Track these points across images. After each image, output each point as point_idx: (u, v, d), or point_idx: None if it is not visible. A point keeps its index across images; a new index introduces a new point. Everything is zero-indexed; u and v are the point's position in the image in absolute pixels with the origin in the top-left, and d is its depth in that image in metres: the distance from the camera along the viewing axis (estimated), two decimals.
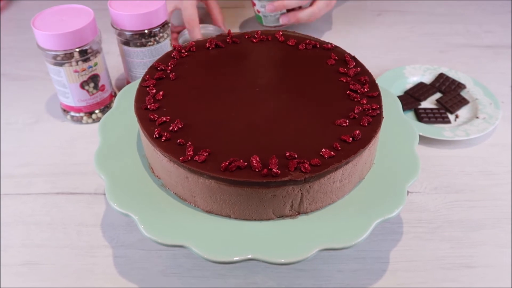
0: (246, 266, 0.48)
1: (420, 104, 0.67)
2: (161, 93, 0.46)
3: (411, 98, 0.67)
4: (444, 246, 0.50)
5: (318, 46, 0.54)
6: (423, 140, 0.61)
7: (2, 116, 0.68)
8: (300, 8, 0.75)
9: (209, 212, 0.42)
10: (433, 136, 0.60)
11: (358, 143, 0.42)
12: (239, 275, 0.48)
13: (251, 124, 0.43)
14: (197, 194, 0.42)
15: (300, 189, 0.40)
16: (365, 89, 0.47)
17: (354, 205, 0.43)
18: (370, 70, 0.50)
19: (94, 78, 0.62)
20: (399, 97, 0.66)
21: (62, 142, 0.63)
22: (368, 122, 0.43)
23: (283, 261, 0.38)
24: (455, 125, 0.64)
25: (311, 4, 0.75)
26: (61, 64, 0.59)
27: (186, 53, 0.52)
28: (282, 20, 0.75)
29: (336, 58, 0.52)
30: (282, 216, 0.42)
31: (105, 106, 0.66)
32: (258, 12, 0.76)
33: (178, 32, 0.78)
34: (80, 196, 0.55)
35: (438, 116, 0.64)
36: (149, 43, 0.63)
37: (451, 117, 0.65)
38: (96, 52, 0.61)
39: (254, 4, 0.76)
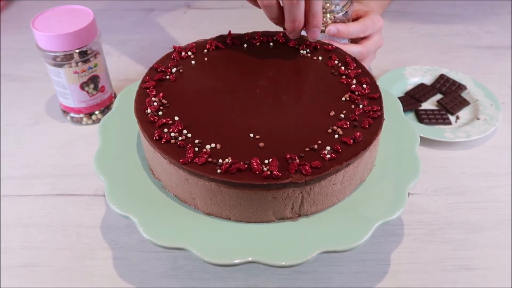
0: (247, 269, 0.48)
1: (420, 105, 0.67)
2: (161, 94, 0.46)
3: (411, 99, 0.67)
4: (445, 248, 0.50)
5: (318, 47, 0.54)
6: (424, 141, 0.61)
7: (1, 117, 0.67)
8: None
9: (209, 214, 0.42)
10: (434, 137, 0.60)
11: (359, 145, 0.41)
12: (240, 277, 0.47)
13: (251, 126, 0.43)
14: (197, 196, 0.42)
15: (300, 192, 0.40)
16: (366, 91, 0.47)
17: (355, 207, 0.43)
18: (370, 71, 0.50)
19: (94, 79, 0.62)
20: (400, 98, 0.66)
21: (61, 143, 0.63)
22: (369, 124, 0.43)
23: (283, 263, 0.38)
24: (456, 127, 0.64)
25: (358, 41, 0.64)
26: (60, 65, 0.59)
27: (186, 54, 0.52)
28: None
29: (337, 59, 0.52)
30: (282, 219, 0.42)
31: (105, 107, 0.66)
32: None
33: None
34: (80, 198, 0.55)
35: (439, 117, 0.64)
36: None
37: (452, 118, 0.65)
38: (96, 53, 0.61)
39: None
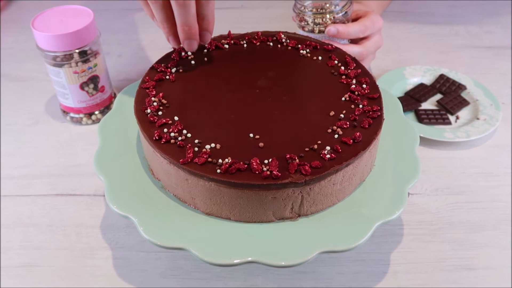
0: (246, 269, 0.48)
1: (420, 105, 0.67)
2: (160, 94, 0.46)
3: (411, 99, 0.67)
4: (445, 248, 0.50)
5: (318, 47, 0.54)
6: (424, 141, 0.61)
7: (1, 117, 0.67)
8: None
9: (209, 214, 0.42)
10: (434, 137, 0.60)
11: (359, 145, 0.41)
12: (239, 277, 0.47)
13: (251, 126, 0.43)
14: (197, 196, 0.42)
15: (300, 192, 0.40)
16: (366, 91, 0.47)
17: (354, 207, 0.43)
18: (370, 71, 0.50)
19: (94, 79, 0.62)
20: (400, 98, 0.66)
21: (61, 143, 0.63)
22: (368, 124, 0.43)
23: (283, 263, 0.38)
24: (455, 126, 0.64)
25: (358, 42, 0.64)
26: (60, 65, 0.59)
27: (185, 55, 0.52)
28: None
29: (337, 59, 0.52)
30: (282, 219, 0.42)
31: (105, 107, 0.66)
32: (303, 28, 0.64)
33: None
34: (80, 198, 0.55)
35: (439, 117, 0.64)
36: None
37: (452, 118, 0.65)
38: (96, 53, 0.61)
39: (301, 20, 0.64)
